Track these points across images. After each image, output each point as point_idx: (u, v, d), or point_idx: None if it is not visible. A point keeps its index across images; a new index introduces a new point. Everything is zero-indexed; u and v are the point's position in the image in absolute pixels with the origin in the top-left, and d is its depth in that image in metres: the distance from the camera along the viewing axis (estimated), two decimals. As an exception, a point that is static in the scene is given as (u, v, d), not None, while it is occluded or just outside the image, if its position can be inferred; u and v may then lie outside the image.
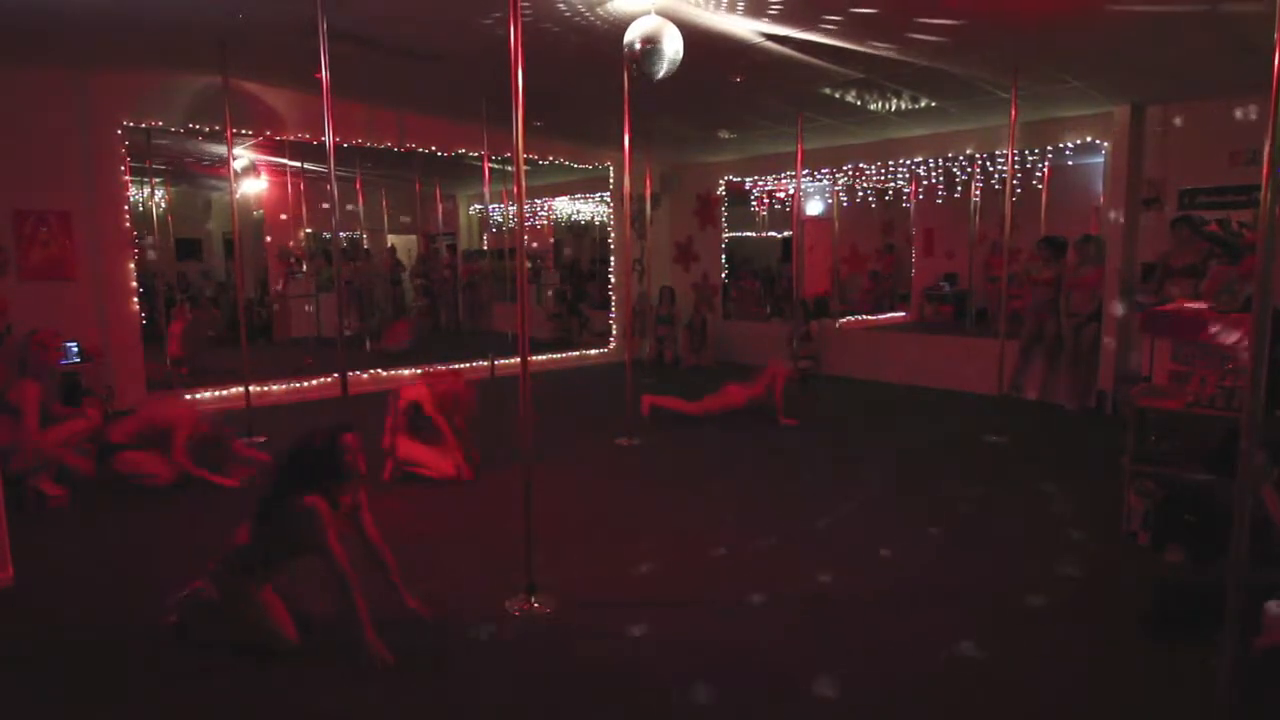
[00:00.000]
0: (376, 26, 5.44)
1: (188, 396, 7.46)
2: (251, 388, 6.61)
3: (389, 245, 12.24)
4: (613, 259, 11.04)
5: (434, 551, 4.00)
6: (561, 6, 4.93)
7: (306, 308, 10.50)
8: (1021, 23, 4.96)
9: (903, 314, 11.49)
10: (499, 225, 12.26)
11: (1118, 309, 7.14)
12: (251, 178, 10.20)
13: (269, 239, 10.67)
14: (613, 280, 11.03)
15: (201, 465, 5.11)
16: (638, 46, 4.61)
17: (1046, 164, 8.41)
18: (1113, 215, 7.20)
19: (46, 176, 6.60)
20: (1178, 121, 6.84)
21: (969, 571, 3.73)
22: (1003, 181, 7.23)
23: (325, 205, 5.85)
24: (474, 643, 3.09)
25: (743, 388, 7.05)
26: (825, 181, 10.05)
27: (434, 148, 8.85)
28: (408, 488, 5.05)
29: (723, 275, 10.93)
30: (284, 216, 10.25)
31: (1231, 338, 3.79)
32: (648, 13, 4.70)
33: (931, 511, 4.57)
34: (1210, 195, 6.67)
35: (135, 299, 7.10)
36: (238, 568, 2.98)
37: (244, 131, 7.61)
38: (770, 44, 5.55)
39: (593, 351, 10.89)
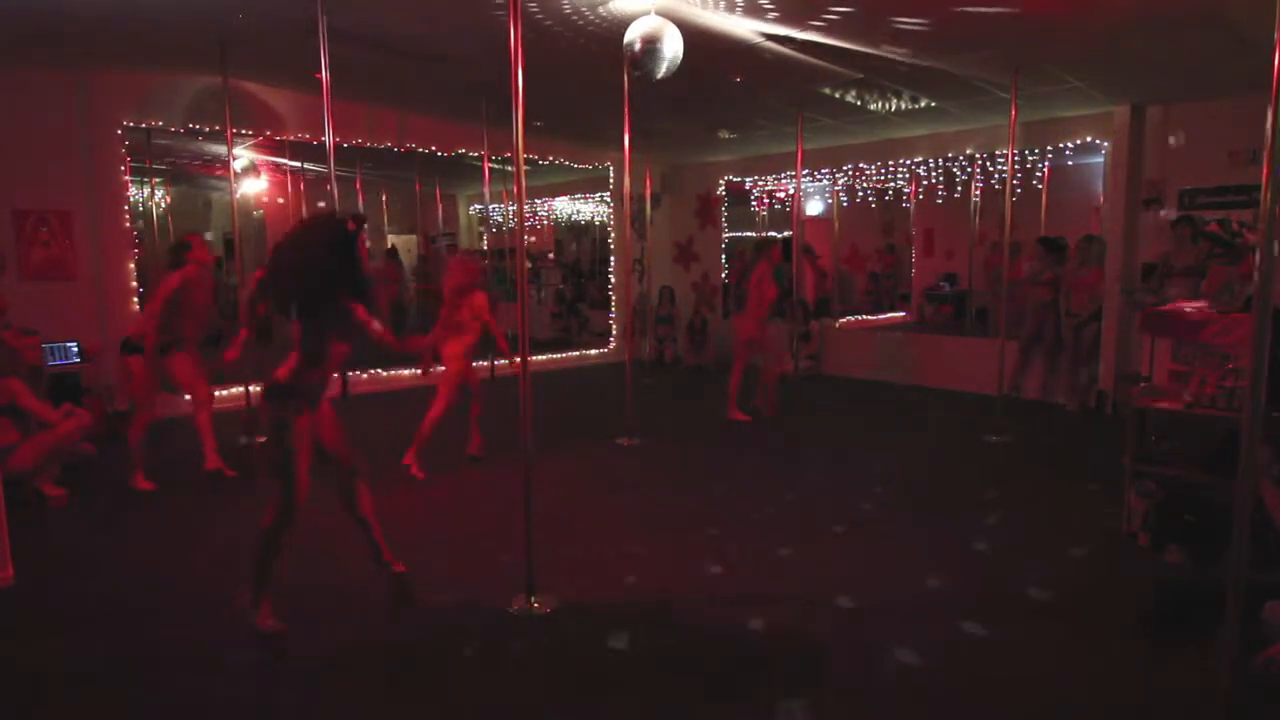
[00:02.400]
0: (377, 27, 5.44)
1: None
2: (252, 388, 6.60)
3: (389, 245, 12.23)
4: (613, 259, 11.04)
5: (433, 551, 4.00)
6: (564, 6, 4.93)
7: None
8: (1021, 22, 4.95)
9: (903, 314, 11.49)
10: (499, 225, 12.26)
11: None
12: (251, 178, 10.19)
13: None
14: (613, 280, 11.03)
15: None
16: (638, 46, 4.61)
17: (1046, 164, 8.41)
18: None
19: (46, 176, 6.60)
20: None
21: (968, 571, 3.73)
22: (1003, 181, 7.22)
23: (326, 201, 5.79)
24: (473, 643, 3.09)
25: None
26: (825, 181, 10.05)
27: (434, 148, 8.85)
28: (407, 486, 5.05)
29: (723, 275, 10.93)
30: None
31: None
32: (648, 13, 4.70)
33: (932, 512, 4.58)
34: (1210, 195, 6.67)
35: (135, 299, 7.10)
36: (283, 394, 3.01)
37: (244, 131, 7.61)
38: (770, 44, 5.55)
39: (593, 351, 10.90)
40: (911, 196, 10.75)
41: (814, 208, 12.22)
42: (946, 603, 3.41)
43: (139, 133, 7.15)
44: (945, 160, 8.77)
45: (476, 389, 5.53)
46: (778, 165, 9.97)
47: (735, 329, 6.99)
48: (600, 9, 4.96)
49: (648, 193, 9.84)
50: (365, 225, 3.04)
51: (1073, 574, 3.67)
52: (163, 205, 8.94)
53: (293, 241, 2.99)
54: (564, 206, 13.43)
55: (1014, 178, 6.52)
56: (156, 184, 8.69)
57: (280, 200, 10.38)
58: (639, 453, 6.03)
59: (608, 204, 11.21)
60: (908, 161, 8.94)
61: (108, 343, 6.87)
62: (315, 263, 2.92)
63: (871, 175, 9.56)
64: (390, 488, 5.03)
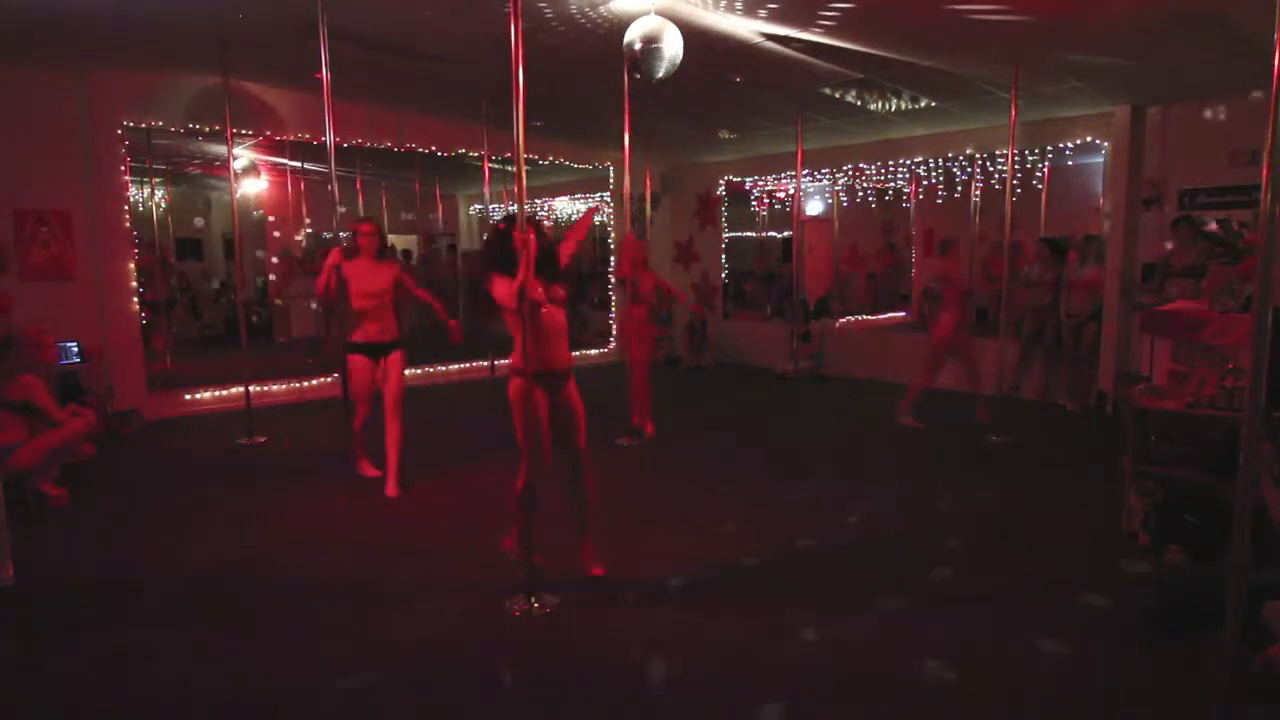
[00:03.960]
0: (377, 27, 5.44)
1: (187, 396, 7.52)
2: (251, 388, 6.61)
3: (390, 245, 12.21)
4: (613, 259, 11.04)
5: (434, 551, 4.00)
6: (565, 5, 4.93)
7: (312, 305, 10.46)
8: (1022, 22, 4.95)
9: (903, 314, 11.48)
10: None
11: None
12: (251, 178, 10.19)
13: (269, 249, 10.61)
14: (613, 280, 11.02)
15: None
16: (638, 46, 4.61)
17: (1046, 164, 8.41)
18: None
19: (46, 176, 6.59)
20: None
21: (968, 570, 3.73)
22: (1003, 181, 7.22)
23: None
24: (474, 643, 3.09)
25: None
26: (825, 181, 10.05)
27: (434, 148, 8.85)
28: (410, 487, 5.04)
29: (723, 275, 10.93)
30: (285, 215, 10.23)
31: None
32: (648, 13, 4.70)
33: (933, 512, 4.58)
34: (1210, 195, 6.66)
35: (135, 299, 7.10)
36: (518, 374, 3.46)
37: (244, 131, 7.61)
38: (770, 44, 5.54)
39: (593, 351, 10.89)
40: (911, 196, 10.75)
41: (814, 208, 12.21)
42: (946, 601, 3.41)
43: (139, 133, 7.14)
44: (945, 160, 8.77)
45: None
46: (778, 165, 9.97)
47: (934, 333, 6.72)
48: (600, 9, 4.96)
49: (648, 193, 9.82)
50: (514, 222, 3.35)
51: (1072, 574, 3.67)
52: (163, 205, 8.94)
53: None
54: (564, 206, 13.42)
55: (1014, 178, 6.52)
56: (156, 184, 8.69)
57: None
58: (640, 453, 6.02)
59: (608, 204, 11.21)
60: (908, 161, 8.94)
61: (108, 343, 6.88)
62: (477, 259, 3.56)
63: (871, 175, 9.56)
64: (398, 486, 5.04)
